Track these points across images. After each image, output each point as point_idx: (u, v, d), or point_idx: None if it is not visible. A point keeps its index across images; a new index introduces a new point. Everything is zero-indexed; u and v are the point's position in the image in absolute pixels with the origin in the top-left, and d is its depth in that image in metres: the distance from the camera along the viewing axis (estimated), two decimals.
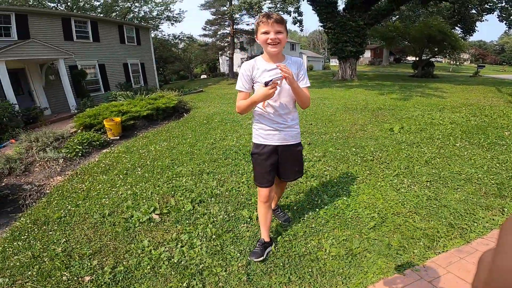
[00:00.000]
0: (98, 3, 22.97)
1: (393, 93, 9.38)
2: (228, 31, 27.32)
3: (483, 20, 15.12)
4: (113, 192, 3.12)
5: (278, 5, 14.46)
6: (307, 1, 13.69)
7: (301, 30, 15.71)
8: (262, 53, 1.73)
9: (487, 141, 3.94)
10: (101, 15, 21.08)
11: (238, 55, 29.52)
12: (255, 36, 1.63)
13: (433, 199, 2.47)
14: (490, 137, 4.13)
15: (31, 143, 5.06)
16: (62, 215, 2.74)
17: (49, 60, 10.40)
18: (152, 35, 21.09)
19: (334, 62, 43.57)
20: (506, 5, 12.86)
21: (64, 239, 2.33)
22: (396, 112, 6.09)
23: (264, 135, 1.76)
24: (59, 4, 20.75)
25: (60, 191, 3.36)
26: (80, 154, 4.74)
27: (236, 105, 1.69)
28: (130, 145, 5.02)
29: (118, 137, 5.65)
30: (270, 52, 1.57)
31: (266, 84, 1.47)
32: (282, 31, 1.55)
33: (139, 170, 3.75)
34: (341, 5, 15.39)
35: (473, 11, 14.89)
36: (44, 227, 2.58)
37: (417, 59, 18.69)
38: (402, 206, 2.39)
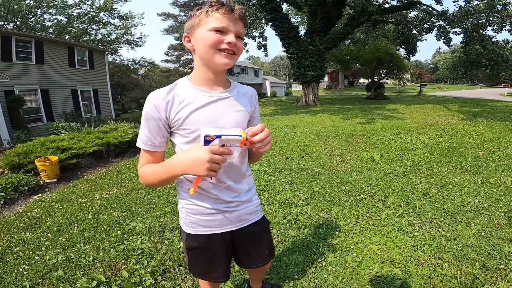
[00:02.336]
0: (50, 23, 21.42)
1: (357, 117, 9.62)
2: (191, 57, 27.04)
3: (423, 40, 16.97)
4: (38, 257, 2.33)
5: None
6: (271, 26, 14.02)
7: (266, 55, 15.99)
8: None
9: (468, 164, 3.91)
10: (53, 36, 19.44)
11: None
12: (186, 32, 0.91)
13: (452, 239, 2.14)
14: (467, 159, 4.12)
15: None
16: None
17: None
18: (110, 59, 19.95)
19: (295, 88, 45.40)
20: (443, 24, 14.34)
21: None
22: (368, 138, 6.03)
23: (203, 221, 1.01)
24: (6, 23, 18.83)
25: None
26: (2, 202, 3.76)
27: (139, 173, 0.94)
28: (69, 191, 4.03)
29: (55, 180, 4.59)
30: (220, 66, 0.88)
31: (207, 141, 0.73)
32: (243, 37, 0.94)
33: (76, 226, 2.88)
34: (302, 30, 16.08)
35: (414, 31, 16.57)
36: None
37: (370, 81, 20.08)
38: (422, 253, 2.00)
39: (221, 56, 0.86)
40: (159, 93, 0.90)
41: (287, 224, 2.53)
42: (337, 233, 2.33)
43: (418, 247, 2.06)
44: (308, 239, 2.26)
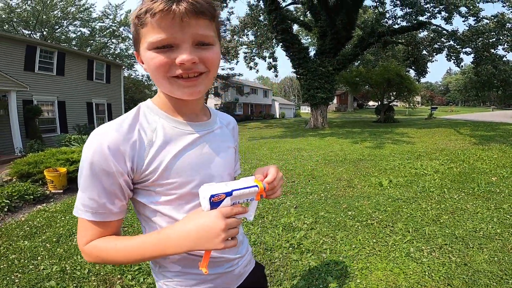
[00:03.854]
0: (74, 35, 22.61)
1: (365, 141, 9.47)
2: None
3: (433, 61, 16.89)
4: (32, 266, 2.35)
5: (253, 50, 15.00)
6: (281, 46, 14.36)
7: (276, 76, 16.30)
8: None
9: (480, 190, 3.76)
10: (75, 48, 20.49)
11: (211, 101, 29.63)
12: (134, 51, 0.64)
13: (462, 264, 2.06)
14: (480, 185, 3.97)
15: None
16: None
17: (0, 92, 9.24)
18: (125, 74, 20.74)
19: (304, 109, 45.47)
20: (453, 44, 14.31)
21: None
22: (376, 163, 5.92)
23: None
24: (33, 32, 20.01)
25: None
26: (6, 209, 3.82)
27: (87, 252, 0.59)
28: (73, 202, 4.05)
29: (61, 191, 4.65)
30: (183, 97, 0.60)
31: (215, 204, 0.53)
32: (212, 41, 0.58)
33: (76, 238, 2.87)
34: (312, 51, 16.38)
35: (424, 52, 16.55)
36: None
37: (379, 103, 20.00)
38: (430, 279, 1.92)
39: (177, 86, 0.57)
40: (115, 130, 0.56)
41: (290, 248, 2.46)
42: (341, 258, 2.24)
43: (426, 273, 1.98)
44: (310, 264, 2.18)
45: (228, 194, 0.54)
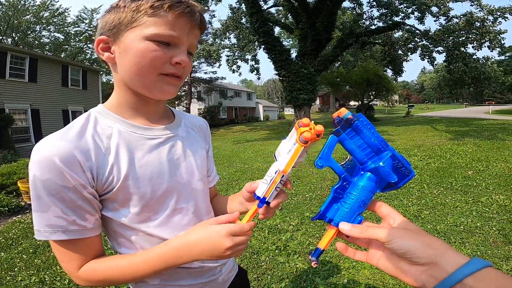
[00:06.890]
0: (47, 40, 21.67)
1: None
2: (185, 79, 27.48)
3: (408, 60, 17.55)
4: (9, 277, 2.33)
5: (236, 53, 14.98)
6: (263, 49, 14.43)
7: (258, 78, 16.36)
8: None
9: (458, 184, 3.92)
10: (50, 53, 19.62)
11: (195, 105, 29.28)
12: (104, 33, 0.56)
13: None
14: (457, 179, 4.14)
15: None
16: None
17: None
18: (104, 80, 20.12)
19: (287, 111, 45.90)
20: (426, 43, 14.87)
21: None
22: None
23: None
24: (3, 38, 18.99)
25: None
26: None
27: (83, 277, 0.54)
28: None
29: None
30: (160, 96, 0.58)
31: (265, 201, 0.54)
32: (194, 51, 0.62)
33: None
34: (293, 53, 16.58)
35: (400, 51, 17.18)
36: None
37: (360, 103, 20.56)
38: None
39: (164, 83, 0.56)
40: (61, 139, 0.51)
41: (276, 250, 2.45)
42: (327, 258, 2.24)
43: None
44: (298, 265, 2.17)
45: (262, 200, 0.54)
